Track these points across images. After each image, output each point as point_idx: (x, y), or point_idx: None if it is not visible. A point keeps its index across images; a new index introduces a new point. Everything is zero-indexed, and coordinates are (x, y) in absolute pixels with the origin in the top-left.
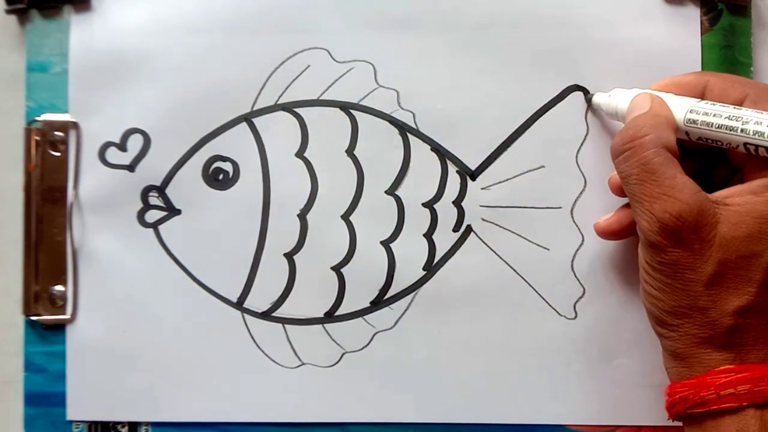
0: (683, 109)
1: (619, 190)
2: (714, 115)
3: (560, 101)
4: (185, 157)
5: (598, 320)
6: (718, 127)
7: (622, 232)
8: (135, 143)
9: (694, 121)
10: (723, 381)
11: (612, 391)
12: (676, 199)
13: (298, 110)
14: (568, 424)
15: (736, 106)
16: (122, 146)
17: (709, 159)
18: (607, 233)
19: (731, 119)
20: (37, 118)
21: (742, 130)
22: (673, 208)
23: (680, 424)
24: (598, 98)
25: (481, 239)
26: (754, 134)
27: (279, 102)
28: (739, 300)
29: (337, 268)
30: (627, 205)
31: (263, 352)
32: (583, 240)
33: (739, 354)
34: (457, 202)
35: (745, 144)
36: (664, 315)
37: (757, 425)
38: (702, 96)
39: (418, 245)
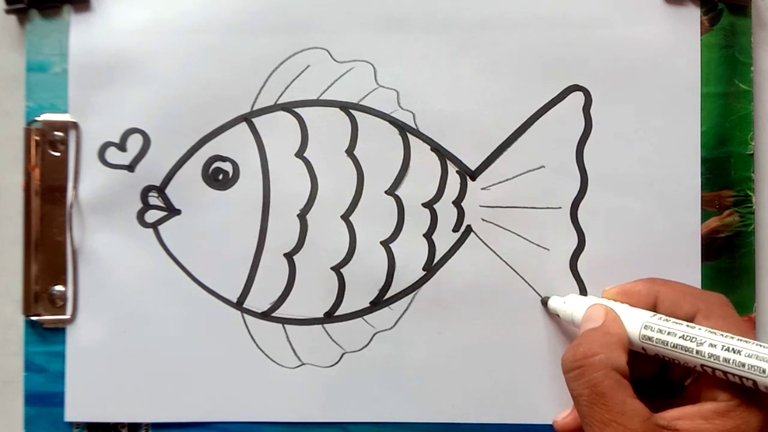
0: (637, 323)
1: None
2: (668, 333)
3: (560, 101)
4: (185, 157)
5: None
6: (673, 346)
7: (580, 430)
8: (135, 143)
9: (650, 338)
10: None
11: None
12: (625, 428)
13: (298, 110)
14: None
15: (690, 324)
16: (122, 146)
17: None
18: (566, 430)
19: (685, 339)
20: (37, 118)
21: (697, 352)
22: None
23: None
24: (553, 303)
25: (480, 239)
26: (709, 357)
27: (279, 102)
28: None
29: (337, 268)
30: None
31: (263, 352)
32: (582, 240)
33: None
34: (457, 202)
35: (702, 365)
36: None
37: None
38: (654, 307)
39: (418, 245)
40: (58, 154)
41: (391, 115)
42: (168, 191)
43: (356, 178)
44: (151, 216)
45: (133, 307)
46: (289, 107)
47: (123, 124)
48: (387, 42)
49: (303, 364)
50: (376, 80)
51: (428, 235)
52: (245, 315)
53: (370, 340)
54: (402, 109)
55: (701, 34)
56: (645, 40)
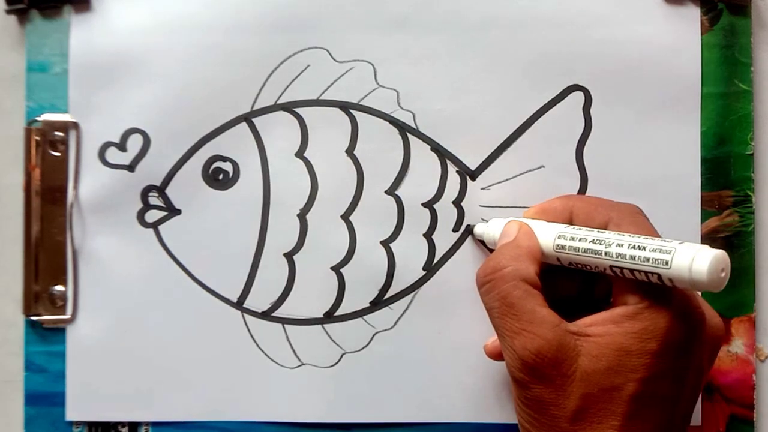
0: (551, 235)
1: (495, 356)
2: (580, 240)
3: (560, 101)
4: (185, 157)
5: None
6: (584, 251)
7: None
8: (135, 143)
9: (563, 247)
10: None
11: None
12: (535, 335)
13: (297, 110)
14: None
15: (600, 230)
16: (122, 146)
17: (589, 276)
18: (497, 356)
19: (595, 243)
20: (37, 118)
21: (605, 253)
22: (532, 344)
23: None
24: (478, 228)
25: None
26: (617, 256)
27: (279, 102)
28: None
29: (336, 268)
30: (490, 357)
31: (263, 352)
32: None
33: None
34: (457, 202)
35: (611, 267)
36: None
37: None
38: (570, 221)
39: (418, 245)
40: (58, 154)
41: (391, 115)
42: (168, 191)
43: (356, 178)
44: (151, 216)
45: (133, 307)
46: (289, 107)
47: (123, 124)
48: (387, 42)
49: (303, 364)
50: (376, 80)
51: (428, 235)
52: (245, 315)
53: (370, 340)
54: (402, 109)
55: (701, 34)
56: (645, 40)
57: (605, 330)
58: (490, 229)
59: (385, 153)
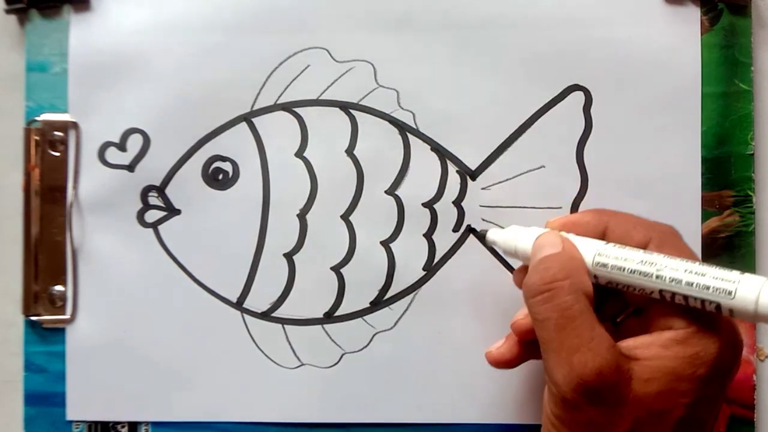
0: (591, 251)
1: (524, 334)
2: (625, 259)
3: (560, 101)
4: (185, 157)
5: None
6: (630, 271)
7: (514, 361)
8: (134, 143)
9: (604, 265)
10: None
11: None
12: (596, 353)
13: (297, 110)
14: None
15: (645, 251)
16: (122, 146)
17: (605, 293)
18: (500, 363)
19: (644, 264)
20: (37, 118)
21: (657, 276)
22: (594, 362)
23: None
24: (492, 235)
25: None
26: (670, 281)
27: (279, 102)
28: None
29: (336, 268)
30: (517, 334)
31: (263, 352)
32: None
33: None
34: (457, 202)
35: (660, 291)
36: None
37: None
38: (603, 237)
39: (418, 245)
40: (58, 154)
41: (391, 115)
42: (168, 191)
43: (356, 178)
44: (151, 216)
45: (133, 307)
46: (289, 107)
47: (123, 124)
48: (387, 42)
49: (303, 364)
50: (376, 80)
51: (428, 235)
52: (245, 315)
53: (370, 340)
54: (402, 109)
55: (701, 34)
56: (645, 40)
57: (654, 353)
58: (511, 236)
59: (385, 153)
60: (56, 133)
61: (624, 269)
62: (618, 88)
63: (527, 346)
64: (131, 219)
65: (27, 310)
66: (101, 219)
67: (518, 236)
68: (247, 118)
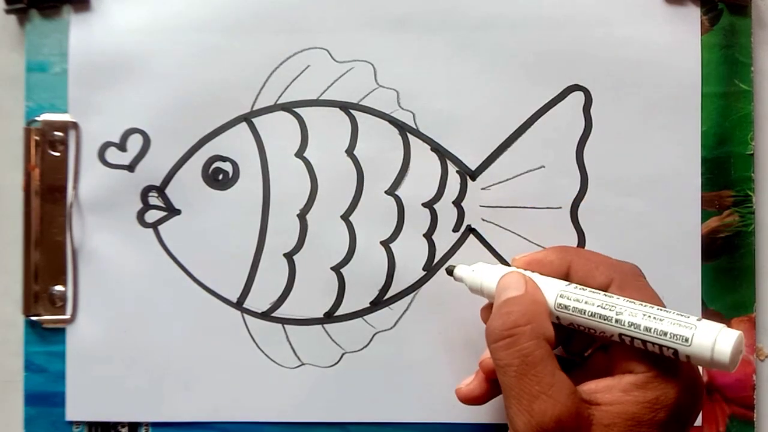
0: (553, 293)
1: (491, 374)
2: (586, 302)
3: (560, 101)
4: (185, 157)
5: None
6: (590, 315)
7: (483, 397)
8: (135, 143)
9: (566, 307)
10: None
11: None
12: (556, 401)
13: (297, 110)
14: None
15: (606, 293)
16: (122, 146)
17: (569, 332)
18: (470, 399)
19: (604, 308)
20: (37, 118)
21: (616, 321)
22: (554, 410)
23: None
24: (460, 271)
25: (480, 239)
26: (629, 326)
27: (279, 102)
28: None
29: (336, 268)
30: (484, 372)
31: (263, 352)
32: (582, 240)
33: None
34: (457, 202)
35: (620, 335)
36: None
37: None
38: (566, 277)
39: (418, 245)
40: (58, 154)
41: (391, 115)
42: (168, 191)
43: (356, 178)
44: (151, 216)
45: (133, 307)
46: (289, 107)
47: (123, 124)
48: (387, 42)
49: (303, 364)
50: (376, 80)
51: (428, 235)
52: (245, 315)
53: (370, 340)
54: (402, 109)
55: (701, 34)
56: (645, 40)
57: (614, 398)
58: (477, 275)
59: (385, 153)
60: (56, 133)
61: (585, 312)
62: (618, 88)
63: (495, 383)
64: (131, 219)
65: (27, 310)
66: (101, 219)
67: (483, 275)
68: (248, 118)
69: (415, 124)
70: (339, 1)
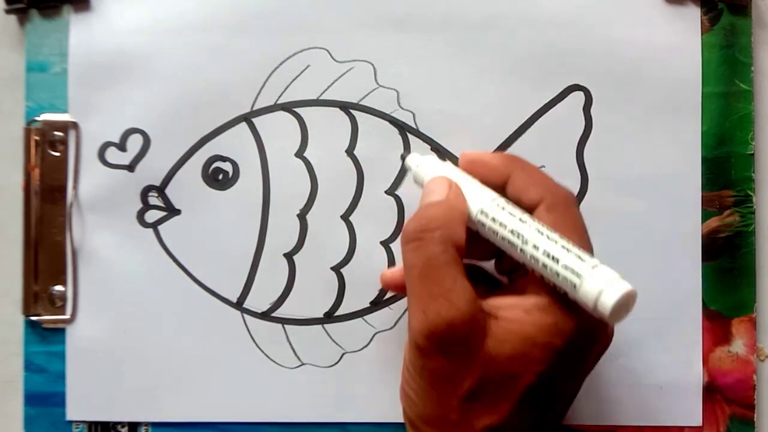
0: (475, 207)
1: (388, 285)
2: (500, 224)
3: (560, 101)
4: (185, 157)
5: None
6: (501, 238)
7: (402, 288)
8: (135, 143)
9: (483, 224)
10: None
11: (612, 391)
12: (452, 304)
13: (297, 110)
14: (569, 424)
15: (523, 218)
16: (122, 146)
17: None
18: (391, 285)
19: (513, 234)
20: (37, 118)
21: (521, 250)
22: (447, 313)
23: (677, 424)
24: (410, 160)
25: None
26: (531, 258)
27: (279, 102)
28: (489, 418)
29: (337, 268)
30: (382, 284)
31: (263, 352)
32: None
33: None
34: None
35: (524, 262)
36: (417, 420)
37: None
38: (503, 185)
39: None
40: (57, 154)
41: (391, 115)
42: (168, 191)
43: (356, 178)
44: (151, 216)
45: (133, 307)
46: (289, 107)
47: (123, 124)
48: (387, 42)
49: (303, 364)
50: (376, 80)
51: None
52: (245, 315)
53: (370, 340)
54: (402, 109)
55: (701, 34)
56: (645, 40)
57: (515, 316)
58: (421, 170)
59: (385, 153)
60: (56, 133)
61: (497, 233)
62: (618, 88)
63: None
64: (131, 219)
65: (27, 310)
66: (101, 219)
67: (426, 171)
68: (248, 118)
69: (415, 124)
70: (339, 1)
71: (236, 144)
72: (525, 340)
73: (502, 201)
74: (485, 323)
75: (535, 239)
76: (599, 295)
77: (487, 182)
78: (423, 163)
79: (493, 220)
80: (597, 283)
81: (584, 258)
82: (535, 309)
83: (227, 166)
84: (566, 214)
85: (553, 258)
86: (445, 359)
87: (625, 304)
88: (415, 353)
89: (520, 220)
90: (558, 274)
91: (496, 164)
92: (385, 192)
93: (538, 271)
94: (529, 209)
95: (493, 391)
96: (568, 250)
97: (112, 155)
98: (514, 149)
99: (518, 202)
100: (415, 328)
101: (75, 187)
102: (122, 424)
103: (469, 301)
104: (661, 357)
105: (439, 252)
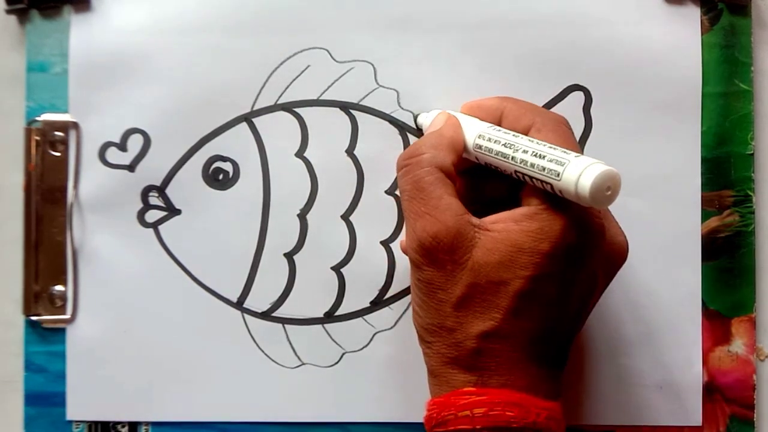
0: (474, 133)
1: (404, 248)
2: (495, 142)
3: (560, 101)
4: (185, 157)
5: (598, 320)
6: (495, 153)
7: None
8: (135, 143)
9: (480, 147)
10: (462, 402)
11: (612, 391)
12: (436, 220)
13: (298, 110)
14: (569, 424)
15: (516, 134)
16: (122, 146)
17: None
18: (404, 248)
19: (506, 146)
20: (37, 118)
21: (512, 158)
22: (432, 227)
23: (677, 424)
24: (421, 119)
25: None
26: (520, 162)
27: (279, 102)
28: (483, 324)
29: (337, 268)
30: None
31: (263, 352)
32: None
33: (481, 377)
34: None
35: (515, 171)
36: (422, 331)
37: None
38: (499, 122)
39: None
40: (58, 154)
41: (391, 115)
42: (168, 191)
43: (356, 178)
44: (152, 216)
45: (133, 306)
46: (289, 107)
47: (123, 124)
48: (387, 42)
49: (303, 364)
50: (376, 80)
51: None
52: (245, 315)
53: (370, 340)
54: (402, 109)
55: (701, 34)
56: (645, 40)
57: (504, 227)
58: (428, 119)
59: (385, 153)
60: (57, 133)
61: (492, 150)
62: (618, 88)
63: None
64: (131, 219)
65: (27, 310)
66: (101, 219)
67: (430, 118)
68: (248, 118)
69: (415, 124)
70: (339, 1)
71: (236, 144)
72: (512, 247)
73: (497, 127)
74: (473, 235)
75: (525, 144)
76: (579, 178)
77: (485, 121)
78: (431, 115)
79: (489, 139)
80: (577, 167)
81: (569, 152)
82: (523, 217)
83: (227, 166)
84: (556, 131)
85: (540, 155)
86: (435, 269)
87: (606, 186)
88: (412, 269)
89: (514, 135)
90: (544, 169)
91: (490, 104)
92: (385, 192)
93: (529, 174)
94: (524, 134)
95: (484, 297)
96: (554, 148)
97: (113, 155)
98: None
99: (513, 131)
100: (408, 245)
101: (75, 187)
102: (122, 424)
103: (454, 216)
104: (661, 357)
105: (424, 174)
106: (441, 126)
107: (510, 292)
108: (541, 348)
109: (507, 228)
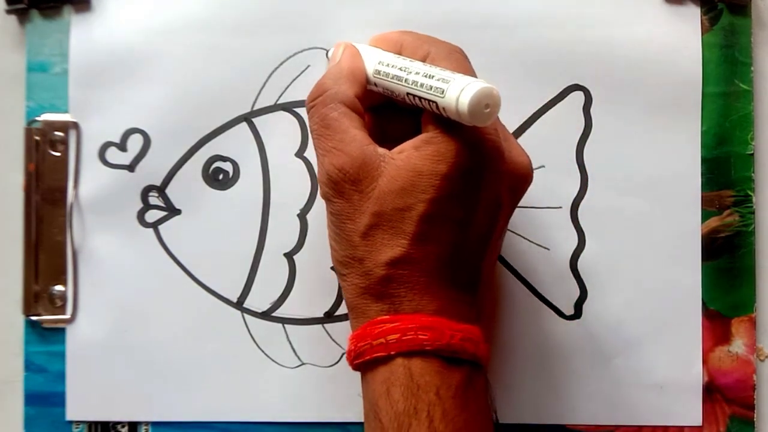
0: (374, 61)
1: None
2: (391, 66)
3: (560, 101)
4: (185, 157)
5: (597, 320)
6: (391, 77)
7: None
8: (135, 143)
9: (379, 72)
10: (377, 331)
11: (612, 391)
12: (342, 153)
13: (298, 110)
14: (568, 424)
15: (413, 60)
16: (122, 146)
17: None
18: None
19: (401, 70)
20: (37, 118)
21: (405, 80)
22: (338, 161)
23: (677, 424)
24: (330, 54)
25: None
26: (412, 84)
27: (279, 102)
28: (391, 251)
29: None
30: None
31: (263, 352)
32: (582, 240)
33: (393, 305)
34: None
35: (407, 94)
36: (337, 265)
37: (404, 373)
38: (399, 53)
39: None
40: (58, 154)
41: None
42: (168, 191)
43: None
44: (152, 216)
45: (133, 306)
46: (289, 107)
47: (123, 124)
48: None
49: (303, 364)
50: None
51: None
52: (245, 315)
53: None
54: None
55: (701, 34)
56: (645, 40)
57: (406, 154)
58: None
59: None
60: (57, 133)
61: (388, 75)
62: (618, 88)
63: None
64: (131, 219)
65: (27, 310)
66: (101, 219)
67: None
68: (248, 118)
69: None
70: (339, 1)
71: (236, 144)
72: (412, 172)
73: (396, 55)
74: (379, 164)
75: (418, 68)
76: (459, 95)
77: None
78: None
79: (387, 65)
80: (459, 85)
81: (456, 73)
82: (421, 143)
83: (227, 166)
84: (449, 59)
85: (428, 76)
86: (344, 200)
87: (484, 104)
88: (325, 202)
89: (410, 61)
90: (431, 87)
91: (391, 37)
92: None
93: (419, 95)
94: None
95: (391, 225)
96: (443, 70)
97: (113, 155)
98: None
99: None
100: (319, 180)
101: (75, 187)
102: (122, 424)
103: (359, 147)
104: (661, 357)
105: (329, 111)
106: (340, 58)
107: (414, 217)
108: (451, 272)
109: (408, 155)
